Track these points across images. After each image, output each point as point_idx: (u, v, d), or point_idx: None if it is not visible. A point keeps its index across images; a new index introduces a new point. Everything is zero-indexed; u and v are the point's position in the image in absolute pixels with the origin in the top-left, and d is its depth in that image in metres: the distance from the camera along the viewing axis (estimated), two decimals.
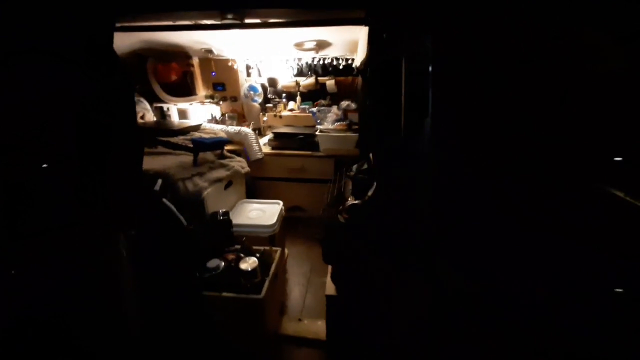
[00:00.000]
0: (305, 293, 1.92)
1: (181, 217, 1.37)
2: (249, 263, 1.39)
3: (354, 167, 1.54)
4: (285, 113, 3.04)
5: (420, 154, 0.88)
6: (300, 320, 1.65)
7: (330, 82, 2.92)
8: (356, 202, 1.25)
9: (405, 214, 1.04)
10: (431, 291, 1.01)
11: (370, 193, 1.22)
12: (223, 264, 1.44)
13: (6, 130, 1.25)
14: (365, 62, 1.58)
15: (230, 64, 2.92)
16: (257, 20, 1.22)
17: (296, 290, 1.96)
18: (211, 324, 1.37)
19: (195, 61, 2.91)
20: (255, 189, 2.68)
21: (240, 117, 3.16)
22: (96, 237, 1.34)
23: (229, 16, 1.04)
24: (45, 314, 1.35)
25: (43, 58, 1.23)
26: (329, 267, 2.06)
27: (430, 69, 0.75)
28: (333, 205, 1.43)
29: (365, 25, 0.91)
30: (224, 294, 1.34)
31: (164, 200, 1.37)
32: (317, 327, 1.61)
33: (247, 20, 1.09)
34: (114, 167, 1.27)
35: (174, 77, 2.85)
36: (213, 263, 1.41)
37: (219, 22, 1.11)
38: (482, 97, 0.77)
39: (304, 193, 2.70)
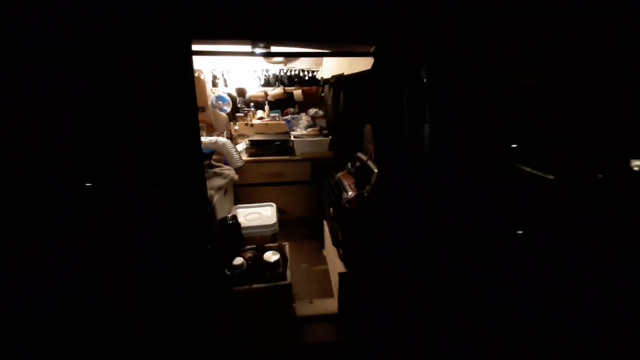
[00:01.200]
0: (308, 281, 2.14)
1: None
2: (272, 256, 1.57)
3: (348, 164, 1.85)
4: (255, 121, 3.19)
5: (419, 150, 1.23)
6: (311, 302, 1.88)
7: (297, 92, 3.19)
8: (362, 192, 1.56)
9: (405, 200, 1.39)
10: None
11: (372, 182, 1.54)
12: (245, 261, 1.58)
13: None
14: (346, 79, 1.90)
15: (197, 74, 2.94)
16: (281, 50, 1.41)
17: (300, 279, 2.16)
18: (242, 314, 1.51)
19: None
20: (238, 196, 2.77)
21: (208, 127, 3.18)
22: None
23: (260, 45, 1.21)
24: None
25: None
26: (326, 256, 2.32)
27: (426, 91, 1.10)
28: (338, 198, 1.70)
29: (373, 57, 1.21)
30: (254, 285, 1.49)
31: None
32: (327, 305, 1.86)
33: (272, 49, 1.27)
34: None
35: None
36: (237, 261, 1.54)
37: (249, 50, 1.26)
38: (461, 110, 1.15)
39: (284, 196, 2.90)
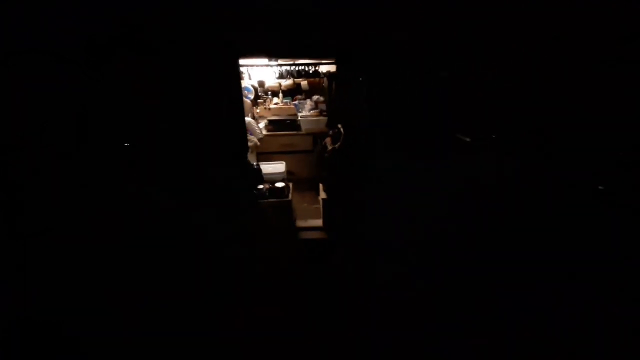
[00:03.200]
0: (305, 211, 3.19)
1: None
2: (280, 185, 2.62)
3: (330, 132, 2.83)
4: (272, 106, 4.21)
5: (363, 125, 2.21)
6: (305, 220, 2.93)
7: (304, 83, 4.16)
8: (335, 146, 2.54)
9: (355, 150, 2.36)
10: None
11: (341, 140, 2.52)
12: (265, 188, 2.64)
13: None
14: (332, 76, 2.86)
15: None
16: (282, 61, 2.38)
17: (300, 210, 3.22)
18: (264, 218, 2.57)
19: None
20: (258, 161, 3.83)
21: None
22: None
23: (274, 59, 2.19)
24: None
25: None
26: (318, 193, 3.32)
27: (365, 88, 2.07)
28: (323, 151, 2.71)
29: (335, 65, 2.14)
30: (270, 199, 2.55)
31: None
32: (316, 222, 2.90)
33: (280, 61, 2.24)
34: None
35: None
36: (260, 187, 2.60)
37: (265, 64, 2.25)
38: (395, 106, 2.10)
39: (293, 161, 3.92)
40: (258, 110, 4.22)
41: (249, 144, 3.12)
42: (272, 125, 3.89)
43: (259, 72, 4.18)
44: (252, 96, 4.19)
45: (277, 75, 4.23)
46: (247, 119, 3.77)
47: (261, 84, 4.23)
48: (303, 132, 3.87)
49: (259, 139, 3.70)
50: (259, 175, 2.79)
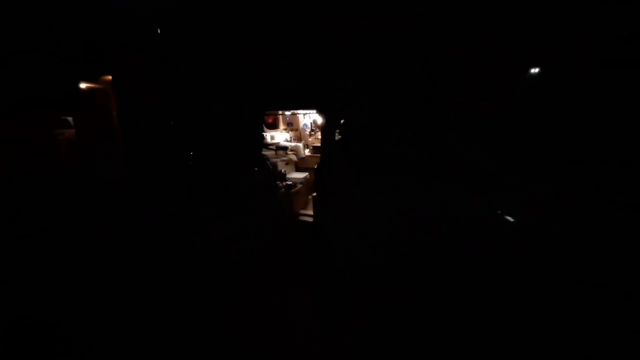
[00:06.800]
0: (306, 203, 4.75)
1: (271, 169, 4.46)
2: (290, 183, 4.36)
3: None
4: (319, 136, 6.05)
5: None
6: (304, 209, 4.49)
7: None
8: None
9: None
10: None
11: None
12: (283, 184, 4.45)
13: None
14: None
15: (296, 114, 6.14)
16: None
17: (305, 202, 4.80)
18: (282, 203, 4.34)
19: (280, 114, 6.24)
20: (297, 171, 5.70)
21: (297, 138, 6.31)
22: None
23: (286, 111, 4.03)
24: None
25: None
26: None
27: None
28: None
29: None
30: (284, 190, 4.32)
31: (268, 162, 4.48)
32: (310, 211, 4.41)
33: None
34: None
35: (270, 120, 6.22)
36: (281, 183, 4.43)
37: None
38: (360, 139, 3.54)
39: None
40: (310, 139, 6.15)
41: (286, 158, 5.05)
42: (313, 149, 5.71)
43: (313, 116, 6.16)
44: (308, 130, 6.19)
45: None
46: (298, 143, 5.78)
47: (314, 123, 6.18)
48: None
49: (300, 158, 5.57)
50: (281, 176, 4.61)
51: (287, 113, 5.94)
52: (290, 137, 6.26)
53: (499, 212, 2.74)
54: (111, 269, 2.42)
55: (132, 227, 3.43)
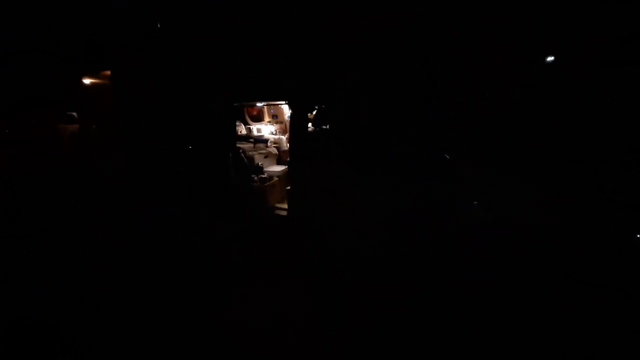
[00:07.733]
0: (282, 197, 4.71)
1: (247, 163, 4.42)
2: (264, 176, 4.36)
3: None
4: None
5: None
6: (280, 202, 4.47)
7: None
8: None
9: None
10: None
11: None
12: (258, 177, 4.43)
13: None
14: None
15: (280, 105, 6.02)
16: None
17: (280, 197, 4.77)
18: (256, 195, 4.29)
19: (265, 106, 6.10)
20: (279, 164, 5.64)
21: (283, 131, 6.19)
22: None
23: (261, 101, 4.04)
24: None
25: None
26: None
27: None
28: None
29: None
30: (256, 184, 4.30)
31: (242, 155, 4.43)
32: (285, 205, 4.36)
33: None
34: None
35: (254, 112, 6.08)
36: (255, 176, 4.41)
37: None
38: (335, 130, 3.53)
39: None
40: None
41: (266, 152, 5.03)
42: None
43: None
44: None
45: None
46: (281, 136, 5.72)
47: None
48: None
49: (283, 151, 5.51)
50: (257, 169, 4.57)
51: (267, 104, 5.80)
52: (276, 130, 6.06)
53: (475, 202, 2.69)
54: (111, 269, 2.46)
55: (132, 227, 3.41)
